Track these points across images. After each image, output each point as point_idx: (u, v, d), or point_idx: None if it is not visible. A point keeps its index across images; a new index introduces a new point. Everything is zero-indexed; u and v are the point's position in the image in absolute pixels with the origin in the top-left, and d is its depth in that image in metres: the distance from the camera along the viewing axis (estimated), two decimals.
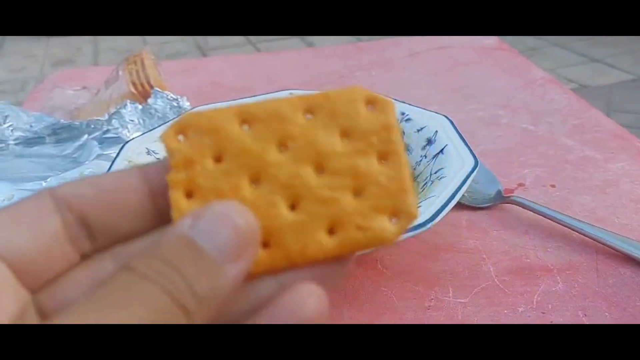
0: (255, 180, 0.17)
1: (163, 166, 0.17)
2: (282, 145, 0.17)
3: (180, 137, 0.17)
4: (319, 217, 0.16)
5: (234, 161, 0.16)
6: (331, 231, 0.16)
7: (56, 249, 0.16)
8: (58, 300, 0.17)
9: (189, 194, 0.16)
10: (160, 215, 0.17)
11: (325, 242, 0.16)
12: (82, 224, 0.17)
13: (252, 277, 0.16)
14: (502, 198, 0.45)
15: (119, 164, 0.43)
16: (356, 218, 0.16)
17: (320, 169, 0.17)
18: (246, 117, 0.17)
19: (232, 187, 0.16)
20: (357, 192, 0.17)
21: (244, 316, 0.16)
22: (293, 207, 0.17)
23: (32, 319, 0.16)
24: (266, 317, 0.16)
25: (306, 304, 0.16)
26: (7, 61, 2.47)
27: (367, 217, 0.16)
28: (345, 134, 0.17)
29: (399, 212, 0.16)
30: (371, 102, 0.17)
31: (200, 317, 0.15)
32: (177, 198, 0.16)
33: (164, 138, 0.17)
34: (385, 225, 0.16)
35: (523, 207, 0.44)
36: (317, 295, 0.16)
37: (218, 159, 0.17)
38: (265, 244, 0.16)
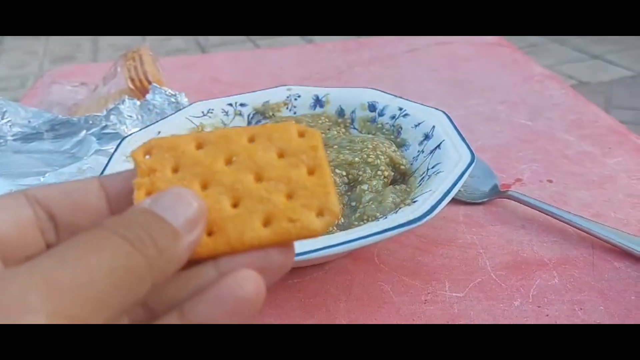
0: (204, 185, 0.20)
1: (118, 176, 0.21)
2: (228, 161, 0.20)
3: (147, 157, 0.21)
4: (256, 211, 0.19)
5: (188, 171, 0.20)
6: (266, 223, 0.19)
7: (29, 234, 0.19)
8: None
9: (149, 195, 0.20)
10: None
11: (260, 231, 0.19)
12: (49, 218, 0.20)
13: (197, 257, 0.19)
14: (499, 193, 0.46)
15: (117, 160, 0.43)
16: (288, 212, 0.19)
17: (259, 177, 0.20)
18: (200, 141, 0.21)
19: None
20: (289, 195, 0.20)
21: (188, 300, 0.19)
22: (235, 205, 0.20)
23: None
24: (206, 296, 0.18)
25: (243, 285, 0.18)
26: (7, 58, 2.47)
27: (297, 212, 0.19)
28: (280, 153, 0.21)
29: (324, 210, 0.20)
30: (301, 133, 0.21)
31: (158, 268, 0.17)
32: (140, 196, 0.20)
33: (133, 155, 0.21)
34: (312, 219, 0.19)
35: (520, 202, 0.44)
36: (255, 279, 0.18)
37: (175, 170, 0.20)
38: (210, 232, 0.19)
